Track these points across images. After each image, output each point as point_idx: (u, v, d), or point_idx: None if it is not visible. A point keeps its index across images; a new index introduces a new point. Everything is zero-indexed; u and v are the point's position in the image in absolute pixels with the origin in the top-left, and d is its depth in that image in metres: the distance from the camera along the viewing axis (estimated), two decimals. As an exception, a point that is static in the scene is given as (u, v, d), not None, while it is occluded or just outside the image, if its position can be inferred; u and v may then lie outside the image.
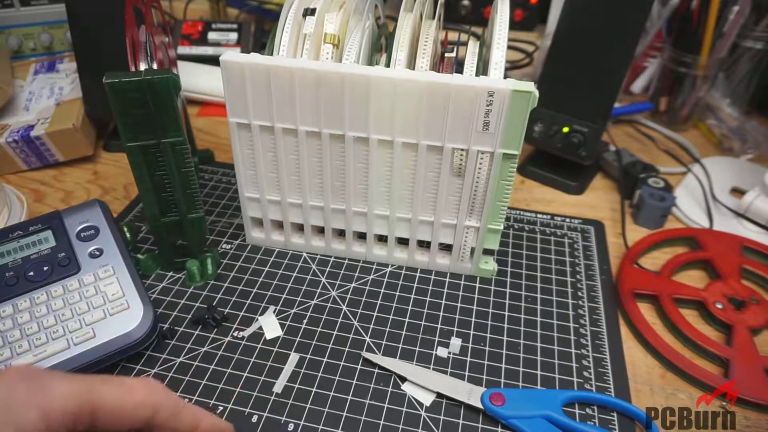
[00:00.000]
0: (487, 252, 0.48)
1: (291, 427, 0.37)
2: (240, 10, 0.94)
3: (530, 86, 0.38)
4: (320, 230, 0.51)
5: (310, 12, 0.43)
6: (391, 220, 0.47)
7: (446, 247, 0.49)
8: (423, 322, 0.45)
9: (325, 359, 0.42)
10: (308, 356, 0.42)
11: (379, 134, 0.42)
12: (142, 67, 0.48)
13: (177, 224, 0.46)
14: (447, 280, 0.49)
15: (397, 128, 0.41)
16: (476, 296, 0.48)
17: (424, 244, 0.50)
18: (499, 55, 0.41)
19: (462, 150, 0.42)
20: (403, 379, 0.41)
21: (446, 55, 0.45)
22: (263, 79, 0.41)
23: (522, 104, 0.38)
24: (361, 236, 0.50)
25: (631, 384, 0.41)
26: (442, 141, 0.41)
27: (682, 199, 0.60)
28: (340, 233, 0.51)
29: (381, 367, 0.41)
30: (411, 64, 0.44)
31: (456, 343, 0.43)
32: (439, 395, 0.40)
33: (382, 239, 0.50)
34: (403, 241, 0.50)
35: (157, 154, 0.41)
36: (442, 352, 0.43)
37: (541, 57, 0.77)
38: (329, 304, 0.46)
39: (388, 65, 0.42)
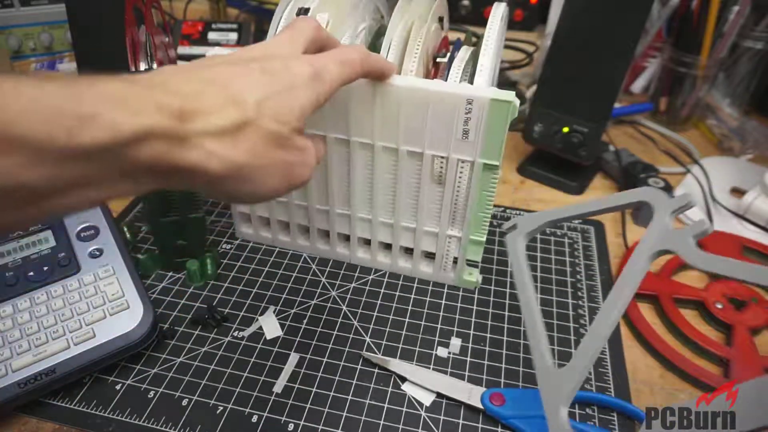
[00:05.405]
0: (471, 264, 0.47)
1: (291, 427, 0.37)
2: (240, 10, 0.94)
3: (510, 95, 0.36)
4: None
5: (303, 11, 0.43)
6: (374, 224, 0.47)
7: (431, 255, 0.48)
8: (423, 322, 0.45)
9: (325, 359, 0.42)
10: (308, 356, 0.42)
11: (360, 137, 0.41)
12: (142, 67, 0.48)
13: (177, 224, 0.46)
14: (447, 280, 0.49)
15: (377, 132, 0.41)
16: (476, 296, 0.48)
17: (410, 251, 0.49)
18: (486, 61, 0.40)
19: (442, 157, 0.41)
20: (403, 379, 0.41)
21: (438, 60, 0.44)
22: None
23: (501, 113, 0.37)
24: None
25: (631, 384, 0.41)
26: (422, 147, 0.41)
27: (682, 199, 0.60)
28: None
29: (381, 367, 0.41)
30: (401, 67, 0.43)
31: (456, 343, 0.43)
32: (439, 395, 0.40)
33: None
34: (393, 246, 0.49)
35: (157, 154, 0.41)
36: (442, 352, 0.43)
37: (541, 57, 0.77)
38: (329, 304, 0.46)
39: None
